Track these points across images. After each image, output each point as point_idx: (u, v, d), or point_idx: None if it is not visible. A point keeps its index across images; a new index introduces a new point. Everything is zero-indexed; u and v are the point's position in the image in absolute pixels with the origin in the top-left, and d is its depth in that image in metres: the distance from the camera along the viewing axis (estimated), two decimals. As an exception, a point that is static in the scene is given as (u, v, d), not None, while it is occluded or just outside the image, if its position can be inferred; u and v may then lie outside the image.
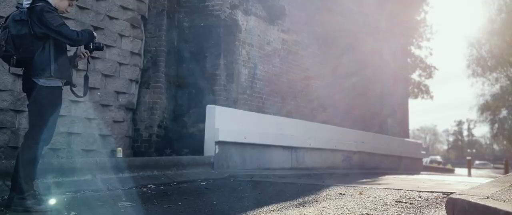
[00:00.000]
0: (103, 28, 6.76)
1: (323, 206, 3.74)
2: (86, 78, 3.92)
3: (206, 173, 6.34)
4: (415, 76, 24.44)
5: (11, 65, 3.46)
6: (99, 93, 6.73)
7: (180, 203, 3.93)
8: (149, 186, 5.12)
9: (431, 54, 24.10)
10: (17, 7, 3.58)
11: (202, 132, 7.01)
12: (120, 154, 6.62)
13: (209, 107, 6.89)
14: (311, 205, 3.82)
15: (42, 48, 3.45)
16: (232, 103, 7.95)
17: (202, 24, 7.99)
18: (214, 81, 7.78)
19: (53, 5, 3.56)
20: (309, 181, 6.33)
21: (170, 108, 7.87)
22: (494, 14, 34.51)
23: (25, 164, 3.39)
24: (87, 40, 3.73)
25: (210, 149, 6.71)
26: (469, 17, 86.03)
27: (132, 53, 7.33)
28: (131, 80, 7.30)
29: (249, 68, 8.54)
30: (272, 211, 3.48)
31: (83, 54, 3.81)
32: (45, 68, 3.44)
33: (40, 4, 3.44)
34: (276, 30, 9.39)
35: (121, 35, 7.12)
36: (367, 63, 13.08)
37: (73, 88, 3.82)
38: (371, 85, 13.26)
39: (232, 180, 6.04)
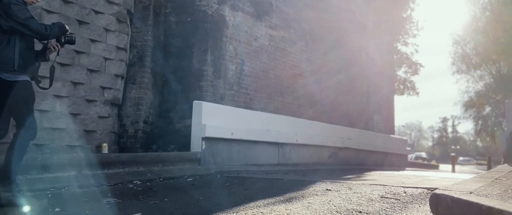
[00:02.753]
0: (88, 23, 6.67)
1: (309, 201, 3.74)
2: (51, 69, 3.84)
3: (193, 169, 6.31)
4: (401, 72, 24.70)
5: None
6: (84, 88, 6.64)
7: (166, 199, 3.90)
8: (135, 182, 5.08)
9: (416, 51, 24.35)
10: None
11: (188, 128, 6.98)
12: (105, 150, 6.56)
13: (195, 103, 6.86)
14: (297, 200, 3.82)
15: (7, 41, 3.37)
16: (219, 99, 7.92)
17: (189, 19, 7.94)
18: (201, 77, 7.75)
19: None
20: (295, 177, 6.35)
21: (156, 104, 7.82)
22: (478, 12, 35.02)
23: (10, 156, 3.35)
24: (57, 34, 3.66)
25: (196, 145, 6.67)
26: (454, 15, 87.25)
27: (118, 48, 7.24)
28: (116, 75, 7.21)
29: (236, 64, 8.52)
30: (259, 206, 3.47)
31: (53, 47, 3.73)
32: (8, 62, 3.36)
33: None
34: (264, 26, 9.38)
35: (107, 30, 7.03)
36: (354, 60, 13.16)
37: (39, 83, 3.72)
38: (357, 82, 13.35)
39: (218, 176, 6.02)
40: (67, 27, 3.75)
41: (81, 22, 6.45)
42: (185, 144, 6.93)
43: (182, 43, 7.95)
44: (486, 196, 1.89)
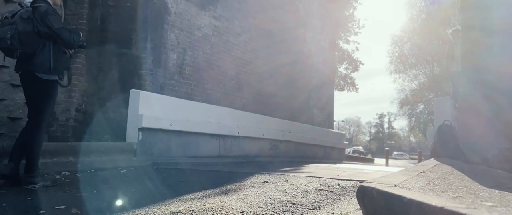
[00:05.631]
0: (15, 2, 6.15)
1: (245, 193, 3.73)
2: (69, 72, 4.33)
3: (128, 160, 6.07)
4: (342, 69, 25.52)
5: (14, 57, 3.86)
6: (9, 72, 6.14)
7: (95, 191, 3.72)
8: (63, 173, 4.80)
9: (357, 49, 25.31)
10: (20, 5, 3.99)
11: (125, 117, 6.70)
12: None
13: (132, 91, 6.58)
14: (233, 192, 3.79)
15: (42, 45, 3.85)
16: (159, 88, 7.68)
17: (128, 4, 7.60)
18: (139, 65, 7.45)
19: (51, 4, 3.98)
20: (234, 169, 6.31)
21: (91, 91, 7.42)
22: (416, 14, 36.97)
23: (35, 146, 3.94)
24: (78, 42, 4.14)
25: (132, 136, 6.42)
26: (394, 16, 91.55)
27: (50, 30, 6.77)
28: (47, 59, 6.74)
29: (178, 53, 8.30)
30: (193, 199, 3.39)
31: (67, 50, 4.18)
32: (45, 64, 3.86)
33: (44, 5, 3.86)
34: (208, 16, 9.22)
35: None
36: (297, 55, 13.35)
37: (61, 79, 4.20)
38: (300, 77, 13.58)
39: (155, 168, 5.85)
40: (81, 35, 4.28)
41: (7, 1, 5.94)
42: (121, 134, 6.64)
43: (120, 29, 7.59)
44: (409, 189, 1.94)
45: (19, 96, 6.33)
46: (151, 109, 6.61)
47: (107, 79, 7.56)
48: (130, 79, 7.42)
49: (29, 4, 3.87)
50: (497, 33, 4.71)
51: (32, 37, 3.79)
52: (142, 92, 6.64)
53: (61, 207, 2.99)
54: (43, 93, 3.96)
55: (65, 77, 4.28)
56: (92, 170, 5.22)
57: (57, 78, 4.05)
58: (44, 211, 2.83)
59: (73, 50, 4.25)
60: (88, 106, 7.38)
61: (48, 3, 3.97)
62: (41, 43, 3.84)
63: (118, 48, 7.55)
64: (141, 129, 6.47)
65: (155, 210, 2.90)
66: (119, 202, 3.25)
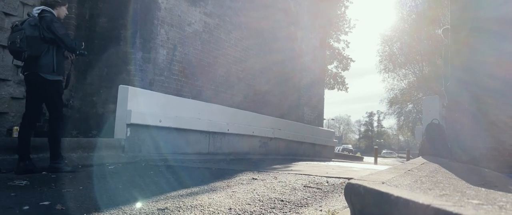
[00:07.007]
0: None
1: (233, 190, 3.71)
2: (68, 76, 4.92)
3: (116, 156, 6.01)
4: (332, 67, 25.59)
5: (22, 59, 4.38)
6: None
7: (81, 187, 3.67)
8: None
9: (348, 47, 25.34)
10: (28, 15, 4.52)
11: (113, 113, 6.62)
12: (17, 134, 6.02)
13: (121, 87, 6.50)
14: (222, 189, 3.77)
15: (47, 49, 4.42)
16: (148, 84, 7.61)
17: (117, -2, 7.51)
18: (128, 61, 7.37)
19: (56, 15, 4.59)
20: (224, 166, 6.30)
21: (79, 86, 7.34)
22: (406, 14, 37.22)
23: (57, 135, 4.59)
24: (79, 48, 4.75)
25: (121, 132, 6.35)
26: (384, 16, 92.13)
27: (37, 24, 6.66)
28: (34, 54, 6.64)
29: (168, 49, 8.23)
30: (181, 196, 3.37)
31: (69, 56, 4.79)
32: (49, 65, 4.43)
33: (49, 15, 4.46)
34: (198, 12, 9.15)
35: (24, 4, 6.44)
36: (287, 52, 13.34)
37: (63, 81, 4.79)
38: (290, 74, 13.58)
39: (143, 165, 5.80)
40: (83, 44, 4.93)
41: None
42: (109, 130, 6.57)
43: (109, 24, 7.50)
44: (397, 186, 1.94)
45: (5, 90, 6.23)
46: (140, 105, 6.54)
47: (95, 75, 7.47)
48: (119, 75, 7.33)
49: (37, 14, 4.42)
50: (486, 33, 4.74)
51: (38, 42, 4.34)
52: (131, 88, 6.56)
53: (46, 203, 2.95)
54: (51, 91, 4.51)
55: (65, 80, 4.84)
56: (79, 166, 5.16)
57: (61, 78, 4.63)
58: (28, 207, 2.78)
59: (74, 55, 4.80)
60: (76, 101, 7.29)
61: (53, 13, 4.54)
62: (45, 48, 4.41)
63: (107, 43, 7.46)
64: (130, 125, 6.40)
65: (142, 206, 2.87)
66: (105, 199, 3.21)
